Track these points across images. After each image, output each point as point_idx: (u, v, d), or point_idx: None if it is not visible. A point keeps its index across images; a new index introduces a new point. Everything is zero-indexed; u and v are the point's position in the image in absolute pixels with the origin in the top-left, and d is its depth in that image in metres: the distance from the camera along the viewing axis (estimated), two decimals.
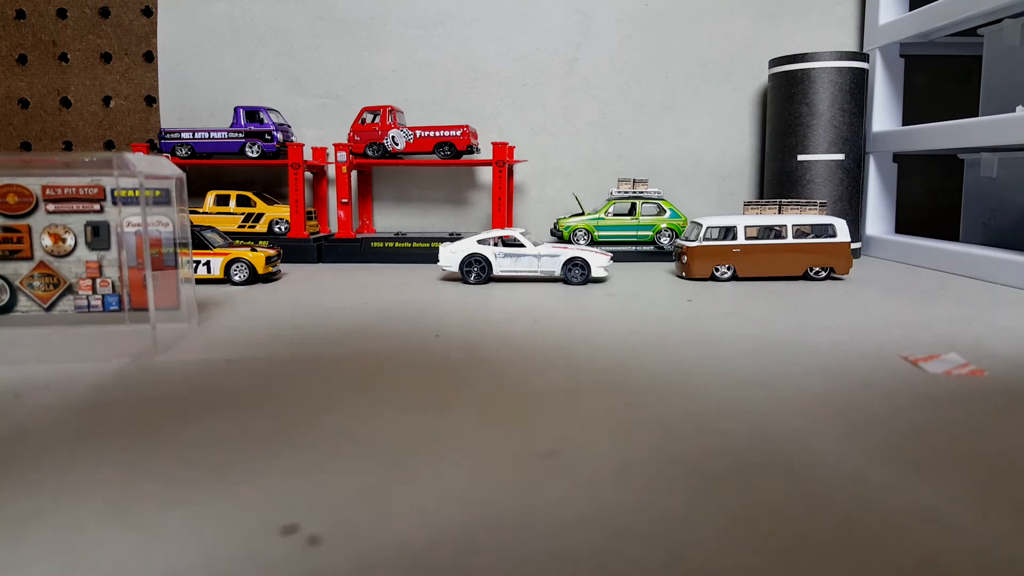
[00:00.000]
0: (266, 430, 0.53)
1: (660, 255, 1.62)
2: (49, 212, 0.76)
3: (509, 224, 1.73)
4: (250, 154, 1.66)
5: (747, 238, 1.30)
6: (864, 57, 1.64)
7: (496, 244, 1.30)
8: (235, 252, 1.28)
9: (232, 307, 1.05)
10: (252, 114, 1.66)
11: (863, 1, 1.81)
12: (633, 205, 1.63)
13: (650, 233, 1.63)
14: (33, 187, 0.76)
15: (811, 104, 1.63)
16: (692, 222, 1.37)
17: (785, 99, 1.67)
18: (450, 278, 1.35)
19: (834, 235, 1.30)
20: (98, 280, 0.77)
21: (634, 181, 1.63)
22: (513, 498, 0.42)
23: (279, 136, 1.66)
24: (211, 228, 1.33)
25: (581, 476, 0.45)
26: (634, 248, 1.63)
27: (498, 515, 0.40)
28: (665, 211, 1.63)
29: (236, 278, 1.27)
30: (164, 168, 0.81)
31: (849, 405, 0.59)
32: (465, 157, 1.67)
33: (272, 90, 1.85)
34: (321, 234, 1.73)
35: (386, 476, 0.45)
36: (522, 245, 1.30)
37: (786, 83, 1.66)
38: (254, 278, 1.28)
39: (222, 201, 1.68)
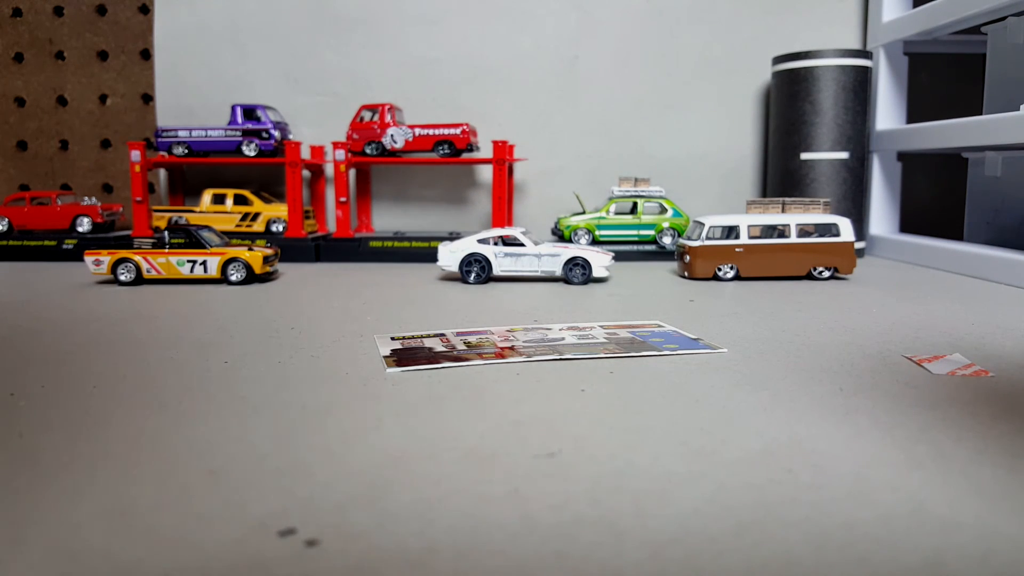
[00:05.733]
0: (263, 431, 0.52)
1: (662, 255, 1.60)
2: None
3: (509, 223, 1.71)
4: (247, 152, 1.65)
5: (750, 237, 1.29)
6: (868, 55, 1.63)
7: (496, 243, 1.29)
8: (232, 251, 1.26)
9: (230, 307, 1.04)
10: (249, 112, 1.65)
11: None
12: (635, 204, 1.62)
13: (652, 232, 1.62)
14: None
15: (814, 102, 1.62)
16: (694, 221, 1.36)
17: (788, 97, 1.66)
18: (449, 278, 1.34)
19: (838, 234, 1.29)
20: None
21: (636, 180, 1.62)
22: (513, 499, 0.41)
23: (276, 134, 1.65)
24: (208, 227, 1.32)
25: (581, 477, 0.44)
26: (636, 248, 1.62)
27: (497, 516, 0.39)
28: (667, 210, 1.62)
29: (233, 278, 1.26)
30: None
31: (852, 406, 0.58)
32: (465, 155, 1.66)
33: (270, 88, 1.83)
34: (319, 233, 1.72)
35: (382, 476, 0.44)
36: (522, 244, 1.28)
37: (789, 81, 1.65)
38: (251, 278, 1.27)
39: (219, 200, 1.67)
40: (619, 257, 1.59)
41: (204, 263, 1.26)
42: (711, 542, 0.37)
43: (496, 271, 1.28)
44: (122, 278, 1.25)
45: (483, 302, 1.08)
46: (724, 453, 0.48)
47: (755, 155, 1.87)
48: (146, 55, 1.85)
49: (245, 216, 1.66)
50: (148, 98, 1.86)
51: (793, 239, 1.29)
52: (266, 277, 1.33)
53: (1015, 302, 1.05)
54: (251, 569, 0.34)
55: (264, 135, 1.64)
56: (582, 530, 0.38)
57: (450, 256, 1.28)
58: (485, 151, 1.74)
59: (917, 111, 1.94)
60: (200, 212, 1.67)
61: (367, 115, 1.66)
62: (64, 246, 1.62)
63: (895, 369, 0.69)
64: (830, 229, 1.29)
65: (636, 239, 1.63)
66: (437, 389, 0.63)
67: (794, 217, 1.30)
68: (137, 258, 1.25)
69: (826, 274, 1.29)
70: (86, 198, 1.72)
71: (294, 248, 1.59)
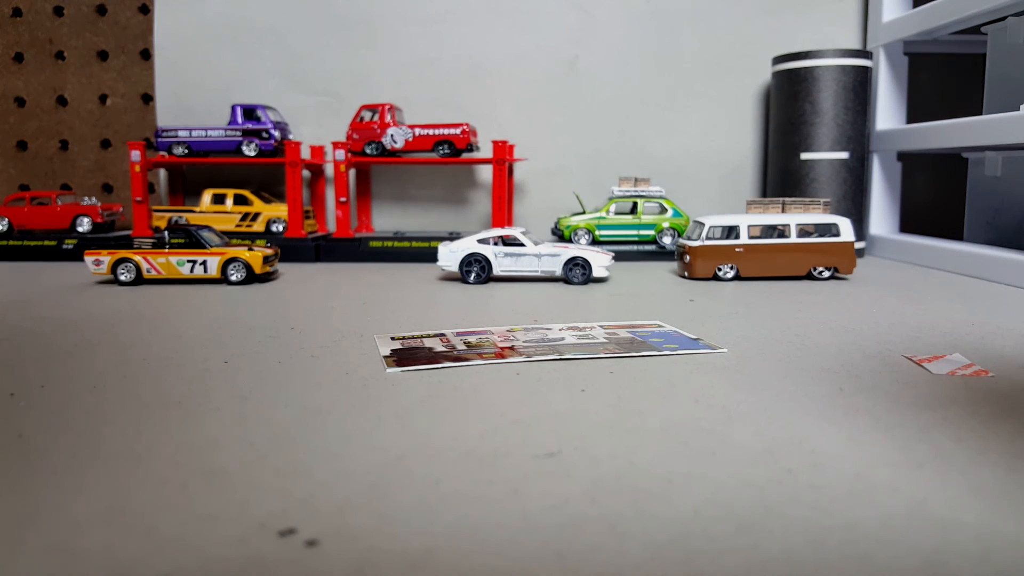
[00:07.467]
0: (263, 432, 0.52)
1: (662, 255, 1.60)
2: None
3: (509, 223, 1.71)
4: (247, 152, 1.65)
5: (750, 237, 1.29)
6: (868, 55, 1.63)
7: (496, 243, 1.29)
8: (232, 251, 1.26)
9: (230, 307, 1.04)
10: (249, 112, 1.65)
11: None
12: (635, 204, 1.62)
13: (652, 232, 1.62)
14: None
15: (814, 102, 1.62)
16: (694, 221, 1.36)
17: (788, 97, 1.66)
18: (449, 278, 1.34)
19: (838, 234, 1.29)
20: None
21: (635, 180, 1.62)
22: (513, 499, 0.41)
23: (276, 134, 1.65)
24: (208, 227, 1.32)
25: (581, 477, 0.44)
26: (636, 248, 1.62)
27: (497, 516, 0.39)
28: (667, 210, 1.62)
29: (233, 278, 1.26)
30: None
31: (852, 406, 0.58)
32: (465, 155, 1.66)
33: (270, 88, 1.83)
34: (319, 233, 1.72)
35: (382, 476, 0.44)
36: (522, 244, 1.28)
37: (789, 81, 1.65)
38: (251, 278, 1.27)
39: (219, 200, 1.67)
40: (619, 257, 1.59)
41: (204, 263, 1.26)
42: (711, 542, 0.37)
43: (496, 271, 1.28)
44: (122, 278, 1.25)
45: (483, 302, 1.08)
46: (724, 453, 0.48)
47: (755, 155, 1.87)
48: (146, 55, 1.85)
49: (245, 216, 1.66)
50: (148, 98, 1.86)
51: (793, 239, 1.29)
52: (266, 277, 1.33)
53: (1015, 302, 1.05)
54: (251, 569, 0.34)
55: (264, 135, 1.64)
56: (582, 530, 0.38)
57: (450, 256, 1.28)
58: (485, 151, 1.74)
59: (917, 111, 1.94)
60: (200, 212, 1.67)
61: (367, 115, 1.66)
62: (64, 246, 1.62)
63: (895, 369, 0.69)
64: (830, 229, 1.29)
65: (636, 239, 1.63)
66: (437, 389, 0.63)
67: (794, 217, 1.30)
68: (137, 258, 1.25)
69: (826, 274, 1.29)
70: (86, 198, 1.72)
71: (294, 248, 1.59)
